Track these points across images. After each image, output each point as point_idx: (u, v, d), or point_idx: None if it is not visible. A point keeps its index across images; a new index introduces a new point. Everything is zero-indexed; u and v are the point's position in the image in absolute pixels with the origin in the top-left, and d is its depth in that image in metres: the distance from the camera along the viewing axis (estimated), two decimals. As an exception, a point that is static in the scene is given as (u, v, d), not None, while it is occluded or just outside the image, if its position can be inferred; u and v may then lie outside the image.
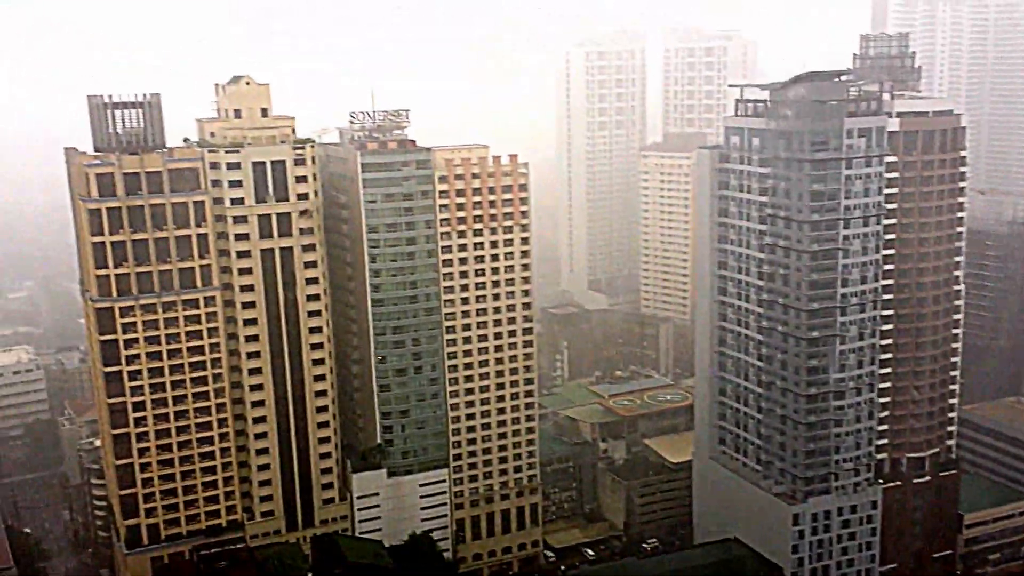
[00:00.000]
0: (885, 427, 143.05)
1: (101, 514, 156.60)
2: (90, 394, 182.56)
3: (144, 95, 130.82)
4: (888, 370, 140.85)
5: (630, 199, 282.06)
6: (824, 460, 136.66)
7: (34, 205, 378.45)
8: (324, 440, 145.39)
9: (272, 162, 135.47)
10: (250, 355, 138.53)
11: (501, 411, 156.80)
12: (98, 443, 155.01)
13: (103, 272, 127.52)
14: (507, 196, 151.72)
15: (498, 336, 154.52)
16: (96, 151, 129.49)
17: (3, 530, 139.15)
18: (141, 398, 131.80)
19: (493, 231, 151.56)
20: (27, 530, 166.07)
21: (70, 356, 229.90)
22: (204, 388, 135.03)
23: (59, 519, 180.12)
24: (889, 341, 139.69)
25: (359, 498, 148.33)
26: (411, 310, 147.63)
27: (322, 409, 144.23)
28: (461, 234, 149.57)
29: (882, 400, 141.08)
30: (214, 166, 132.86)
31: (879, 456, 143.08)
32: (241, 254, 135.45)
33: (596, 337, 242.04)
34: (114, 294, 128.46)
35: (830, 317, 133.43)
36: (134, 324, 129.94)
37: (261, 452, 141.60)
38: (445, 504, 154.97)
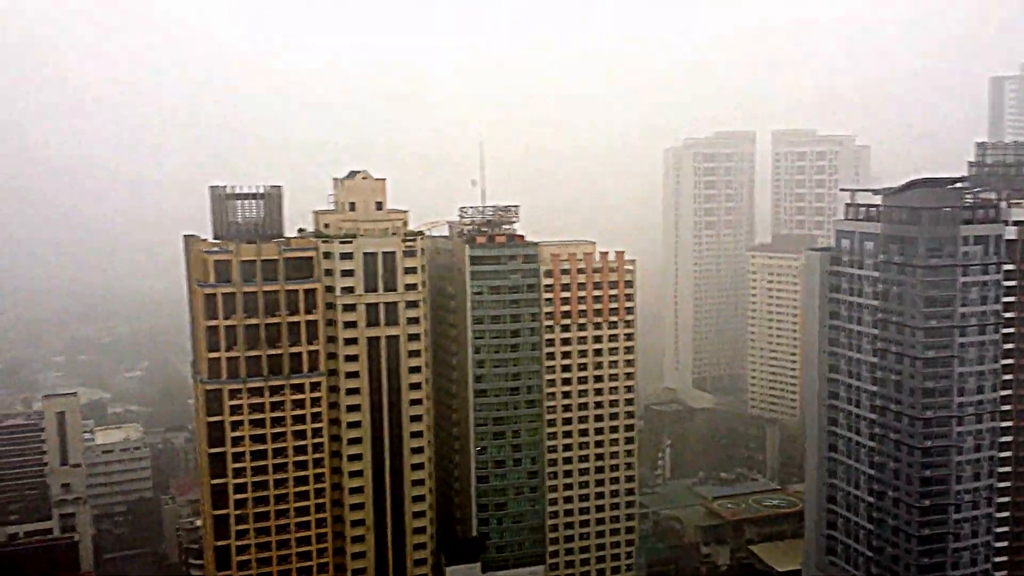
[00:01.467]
0: (1004, 544, 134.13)
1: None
2: (194, 474, 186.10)
3: (264, 187, 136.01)
4: (1007, 484, 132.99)
5: (737, 298, 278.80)
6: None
7: (153, 289, 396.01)
8: (419, 530, 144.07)
9: (383, 253, 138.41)
10: (351, 441, 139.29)
11: (600, 508, 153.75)
12: (199, 523, 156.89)
13: (214, 355, 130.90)
14: (613, 292, 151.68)
15: (599, 432, 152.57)
16: (215, 238, 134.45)
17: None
18: (243, 480, 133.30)
19: (597, 326, 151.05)
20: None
21: (178, 436, 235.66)
22: (304, 472, 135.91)
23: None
24: (1008, 454, 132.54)
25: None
26: (512, 402, 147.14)
27: (419, 499, 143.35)
28: (565, 328, 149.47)
29: (999, 515, 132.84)
30: (327, 256, 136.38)
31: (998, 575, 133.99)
32: (348, 341, 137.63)
33: (700, 436, 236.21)
34: (223, 376, 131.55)
35: (945, 427, 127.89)
36: (241, 407, 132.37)
37: (357, 540, 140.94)
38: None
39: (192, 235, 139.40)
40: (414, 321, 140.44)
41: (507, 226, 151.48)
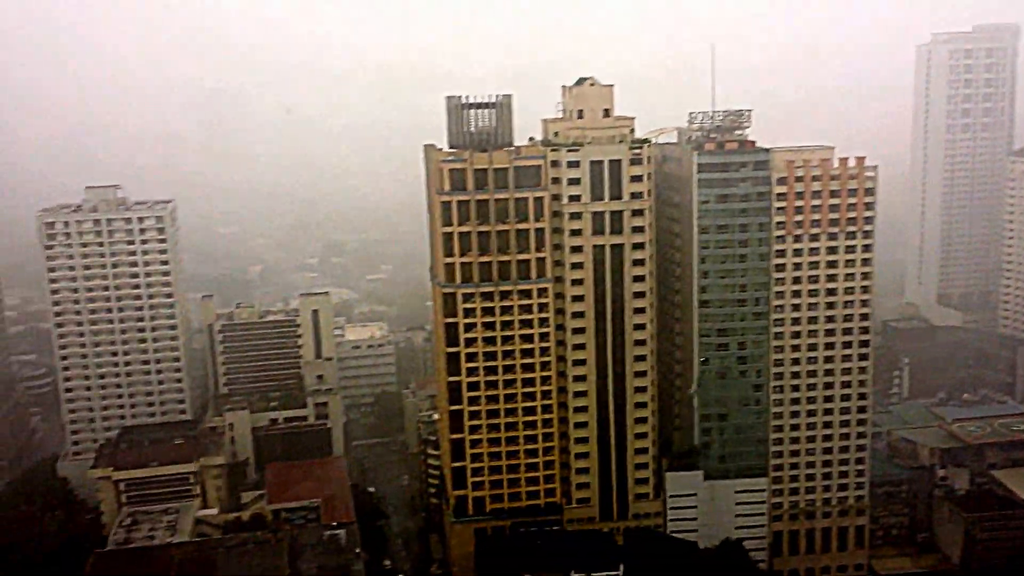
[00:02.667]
0: None
1: (434, 482, 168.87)
2: (432, 371, 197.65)
3: (497, 96, 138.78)
4: None
5: (993, 208, 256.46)
6: None
7: (394, 198, 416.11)
8: (641, 435, 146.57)
9: (609, 161, 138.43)
10: (576, 346, 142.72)
11: (828, 425, 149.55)
12: (436, 417, 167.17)
13: (450, 260, 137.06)
14: (851, 200, 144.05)
15: (830, 347, 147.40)
16: (451, 148, 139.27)
17: (350, 488, 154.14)
18: (475, 379, 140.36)
19: (833, 236, 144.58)
20: (371, 489, 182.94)
21: (417, 335, 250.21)
22: (532, 375, 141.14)
23: (397, 483, 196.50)
24: None
25: (672, 497, 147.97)
26: (739, 313, 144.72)
27: (641, 405, 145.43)
28: (797, 238, 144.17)
29: None
30: (555, 164, 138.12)
31: None
32: (574, 249, 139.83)
33: (942, 355, 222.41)
34: (458, 280, 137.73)
35: None
36: (473, 310, 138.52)
37: (580, 440, 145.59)
38: (762, 514, 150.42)
39: (431, 144, 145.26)
40: (639, 230, 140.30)
41: (738, 132, 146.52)
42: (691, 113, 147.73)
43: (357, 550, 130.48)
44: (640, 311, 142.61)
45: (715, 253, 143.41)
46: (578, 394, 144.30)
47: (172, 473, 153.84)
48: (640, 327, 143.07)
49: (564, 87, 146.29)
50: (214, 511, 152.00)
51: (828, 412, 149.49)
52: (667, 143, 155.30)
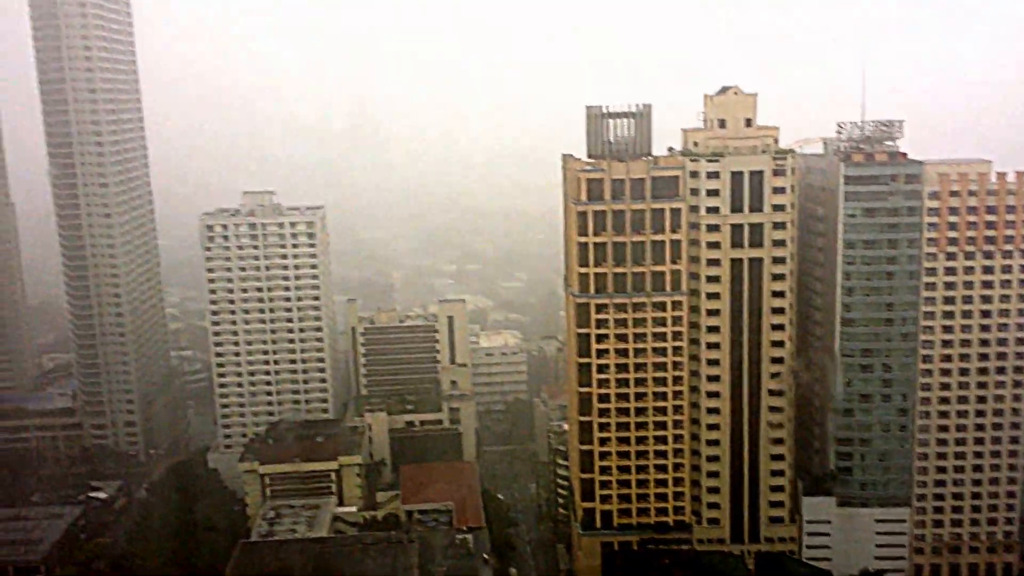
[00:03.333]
0: None
1: (562, 493, 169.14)
2: (563, 381, 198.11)
3: (636, 106, 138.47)
4: None
5: None
6: None
7: (533, 207, 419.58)
8: (776, 457, 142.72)
9: (750, 172, 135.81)
10: (710, 362, 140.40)
11: (978, 455, 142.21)
12: (566, 427, 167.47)
13: (584, 270, 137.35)
14: (1010, 217, 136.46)
15: (983, 372, 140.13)
16: (589, 157, 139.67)
17: (480, 493, 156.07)
18: (606, 391, 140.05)
19: (988, 255, 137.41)
20: (500, 496, 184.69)
21: (549, 344, 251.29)
22: (664, 389, 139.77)
23: (526, 491, 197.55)
24: None
25: (808, 523, 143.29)
26: (884, 333, 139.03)
27: (777, 425, 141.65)
28: (950, 256, 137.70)
29: None
30: (694, 175, 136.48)
31: None
32: (711, 262, 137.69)
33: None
34: (591, 291, 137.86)
35: None
36: (607, 320, 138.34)
37: (712, 459, 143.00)
38: (903, 546, 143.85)
39: (569, 154, 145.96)
40: (780, 243, 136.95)
41: (889, 143, 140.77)
42: (839, 123, 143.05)
43: (485, 555, 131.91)
44: (779, 328, 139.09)
45: (861, 269, 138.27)
46: (711, 410, 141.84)
47: (314, 470, 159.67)
48: (778, 344, 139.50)
49: (706, 96, 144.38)
50: (351, 509, 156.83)
51: (979, 441, 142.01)
52: (813, 154, 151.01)
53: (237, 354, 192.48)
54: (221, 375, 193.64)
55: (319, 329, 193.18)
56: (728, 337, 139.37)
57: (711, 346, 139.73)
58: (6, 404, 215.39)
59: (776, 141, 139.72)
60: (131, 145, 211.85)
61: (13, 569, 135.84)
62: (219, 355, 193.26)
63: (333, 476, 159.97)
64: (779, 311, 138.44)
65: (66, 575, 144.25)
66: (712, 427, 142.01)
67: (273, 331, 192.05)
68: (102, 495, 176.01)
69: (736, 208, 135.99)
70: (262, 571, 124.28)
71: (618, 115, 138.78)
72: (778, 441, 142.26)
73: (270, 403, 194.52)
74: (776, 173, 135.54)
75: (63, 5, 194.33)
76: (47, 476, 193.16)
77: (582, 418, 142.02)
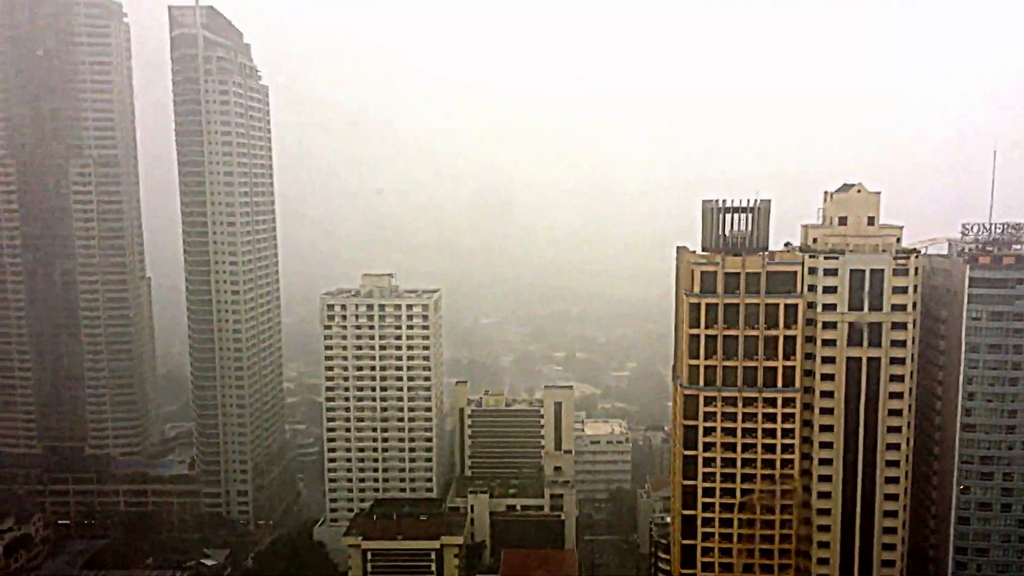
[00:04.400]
0: None
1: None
2: (668, 473, 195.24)
3: (755, 201, 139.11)
4: None
5: None
6: None
7: (647, 296, 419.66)
8: (888, 563, 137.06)
9: (871, 270, 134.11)
10: (822, 461, 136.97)
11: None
12: (668, 519, 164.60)
13: (694, 362, 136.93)
14: None
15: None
16: (703, 250, 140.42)
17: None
18: (712, 484, 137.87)
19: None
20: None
21: (655, 435, 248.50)
22: (772, 486, 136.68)
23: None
24: None
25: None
26: (1007, 441, 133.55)
27: (890, 530, 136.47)
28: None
29: None
30: (811, 271, 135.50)
31: None
32: (826, 359, 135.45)
33: None
34: (701, 383, 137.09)
35: None
36: (715, 413, 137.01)
37: (822, 561, 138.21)
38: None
39: (683, 246, 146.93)
40: (899, 344, 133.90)
41: (1016, 246, 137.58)
42: (964, 224, 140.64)
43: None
44: (895, 430, 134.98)
45: (984, 374, 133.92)
46: (821, 511, 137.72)
47: (416, 548, 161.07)
48: (894, 447, 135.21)
49: (826, 193, 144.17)
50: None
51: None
52: (936, 255, 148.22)
53: (348, 430, 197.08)
54: (332, 450, 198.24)
55: (428, 409, 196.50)
56: (841, 437, 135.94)
57: (823, 445, 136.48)
58: (129, 469, 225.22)
59: (898, 240, 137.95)
60: (262, 226, 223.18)
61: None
62: (331, 430, 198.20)
63: (434, 555, 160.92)
64: (896, 413, 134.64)
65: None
66: (822, 528, 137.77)
67: (384, 409, 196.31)
68: (211, 562, 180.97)
69: (854, 306, 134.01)
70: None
71: (735, 210, 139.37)
72: (890, 547, 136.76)
73: (376, 479, 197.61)
74: (897, 272, 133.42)
75: (206, 92, 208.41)
76: (161, 541, 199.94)
77: (685, 511, 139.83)
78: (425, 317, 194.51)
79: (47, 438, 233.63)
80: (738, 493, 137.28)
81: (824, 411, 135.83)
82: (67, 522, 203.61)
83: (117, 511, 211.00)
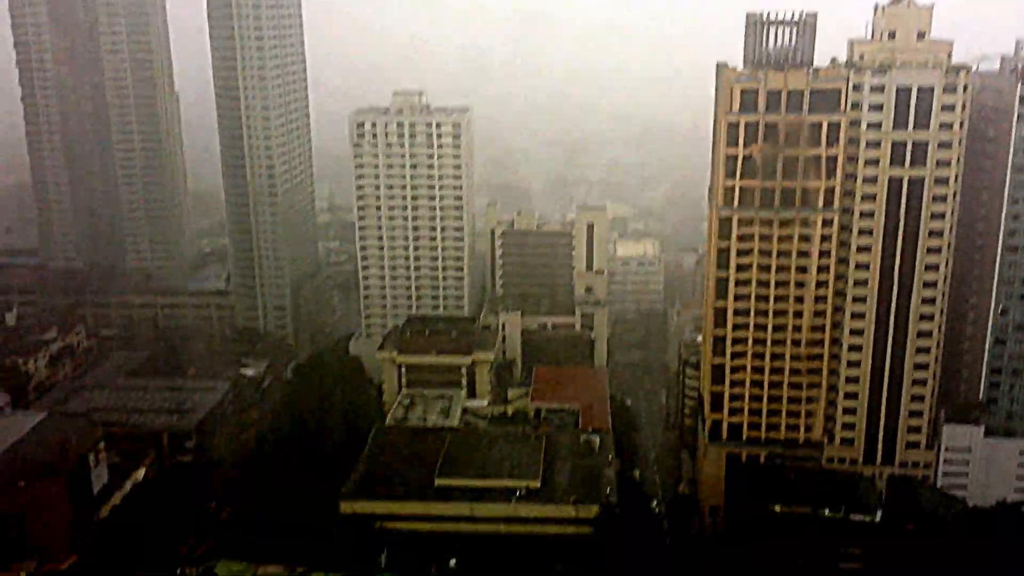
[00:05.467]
0: None
1: (690, 403, 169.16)
2: (700, 294, 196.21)
3: (800, 13, 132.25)
4: None
5: None
6: None
7: (683, 118, 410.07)
8: (919, 382, 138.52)
9: (918, 88, 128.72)
10: (857, 283, 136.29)
11: None
12: (699, 339, 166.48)
13: (730, 183, 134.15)
14: None
15: None
16: (745, 66, 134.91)
17: (608, 399, 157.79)
18: (745, 305, 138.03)
19: None
20: (628, 402, 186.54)
21: (688, 257, 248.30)
22: (804, 307, 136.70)
23: (654, 400, 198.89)
24: None
25: (947, 450, 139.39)
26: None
27: (923, 350, 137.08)
28: None
29: None
30: (856, 88, 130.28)
31: None
32: (867, 179, 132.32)
33: None
34: (736, 204, 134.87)
35: None
36: (751, 235, 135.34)
37: (851, 380, 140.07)
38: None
39: (724, 63, 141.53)
40: (944, 164, 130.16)
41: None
42: (1019, 40, 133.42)
43: (610, 457, 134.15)
44: (934, 251, 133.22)
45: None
46: (854, 332, 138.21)
47: (448, 363, 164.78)
48: (932, 268, 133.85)
49: (876, 6, 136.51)
50: (481, 403, 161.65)
51: None
52: (988, 72, 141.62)
53: (381, 248, 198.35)
54: (365, 267, 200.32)
55: (459, 229, 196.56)
56: (879, 258, 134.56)
57: (860, 266, 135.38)
58: (167, 283, 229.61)
59: (949, 57, 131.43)
60: (290, 41, 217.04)
61: (167, 435, 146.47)
62: (363, 248, 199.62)
63: (465, 371, 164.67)
64: (936, 234, 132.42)
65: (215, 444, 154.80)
66: (854, 348, 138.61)
67: (416, 228, 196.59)
68: (250, 372, 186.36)
69: (900, 124, 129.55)
70: (396, 453, 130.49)
71: (780, 23, 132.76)
72: (922, 367, 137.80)
73: (409, 297, 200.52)
74: (946, 90, 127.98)
75: None
76: (201, 353, 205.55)
77: (716, 331, 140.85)
78: (456, 136, 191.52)
79: (86, 253, 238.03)
80: (771, 313, 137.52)
81: (863, 232, 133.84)
82: (109, 334, 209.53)
83: (157, 324, 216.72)
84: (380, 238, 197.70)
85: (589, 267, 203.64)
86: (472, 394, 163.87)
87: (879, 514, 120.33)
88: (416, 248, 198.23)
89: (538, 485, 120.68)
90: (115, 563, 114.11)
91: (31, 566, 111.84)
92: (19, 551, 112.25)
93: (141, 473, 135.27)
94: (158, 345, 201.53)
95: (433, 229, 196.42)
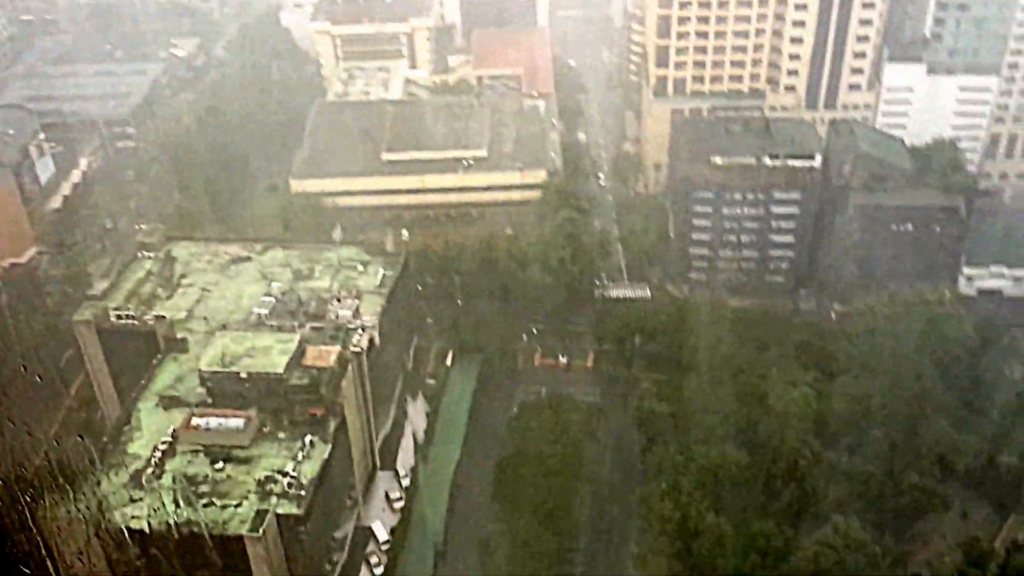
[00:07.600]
0: None
1: (635, 60, 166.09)
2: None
3: None
4: None
5: None
6: None
7: None
8: (865, 22, 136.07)
9: None
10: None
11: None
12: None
13: None
14: None
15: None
16: None
17: (551, 59, 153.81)
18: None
19: None
20: (571, 62, 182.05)
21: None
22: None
23: (598, 57, 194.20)
24: None
25: (888, 90, 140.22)
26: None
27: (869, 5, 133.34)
28: None
29: None
30: None
31: None
32: None
33: None
34: None
35: None
36: None
37: (797, 24, 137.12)
38: (984, 116, 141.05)
39: None
40: None
41: None
42: None
43: (553, 120, 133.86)
44: None
45: None
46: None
47: (385, 31, 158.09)
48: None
49: None
50: (423, 72, 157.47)
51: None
52: None
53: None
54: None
55: None
56: None
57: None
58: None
59: None
60: None
61: (105, 122, 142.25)
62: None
63: (404, 39, 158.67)
64: None
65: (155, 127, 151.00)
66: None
67: None
68: (181, 52, 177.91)
69: None
70: (341, 129, 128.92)
71: None
72: (870, 5, 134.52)
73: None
74: None
75: None
76: (127, 32, 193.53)
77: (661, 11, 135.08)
78: None
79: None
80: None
81: None
82: (29, 18, 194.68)
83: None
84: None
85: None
86: (413, 65, 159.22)
87: (818, 159, 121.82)
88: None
89: (485, 154, 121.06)
90: (74, 251, 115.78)
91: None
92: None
93: (85, 162, 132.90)
94: (83, 26, 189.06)
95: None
